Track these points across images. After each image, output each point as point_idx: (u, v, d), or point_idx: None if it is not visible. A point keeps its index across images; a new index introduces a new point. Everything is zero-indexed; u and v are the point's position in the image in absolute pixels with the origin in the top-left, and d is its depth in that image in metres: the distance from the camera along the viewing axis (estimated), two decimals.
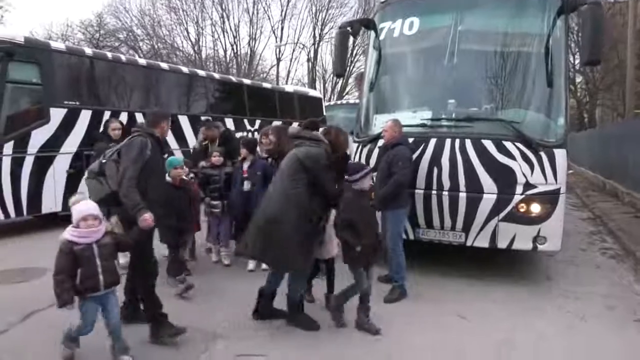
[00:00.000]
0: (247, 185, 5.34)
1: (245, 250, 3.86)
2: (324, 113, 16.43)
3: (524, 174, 4.71)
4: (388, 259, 4.66)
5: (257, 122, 13.31)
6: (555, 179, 4.71)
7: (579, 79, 28.81)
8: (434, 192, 4.99)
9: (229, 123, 11.98)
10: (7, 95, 7.43)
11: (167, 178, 4.49)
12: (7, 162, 7.37)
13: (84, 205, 3.12)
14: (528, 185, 4.72)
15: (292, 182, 3.65)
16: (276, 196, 3.71)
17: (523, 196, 4.72)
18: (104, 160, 3.60)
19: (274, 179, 3.98)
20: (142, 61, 11.67)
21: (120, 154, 3.56)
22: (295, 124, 14.77)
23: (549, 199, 4.71)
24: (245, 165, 5.43)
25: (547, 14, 5.01)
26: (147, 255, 3.64)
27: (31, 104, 7.90)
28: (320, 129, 4.58)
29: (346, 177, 3.83)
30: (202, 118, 11.27)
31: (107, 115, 8.55)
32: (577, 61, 21.67)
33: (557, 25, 4.97)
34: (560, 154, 4.72)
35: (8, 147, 7.39)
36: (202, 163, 5.85)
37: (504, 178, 4.75)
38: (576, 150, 19.63)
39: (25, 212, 7.68)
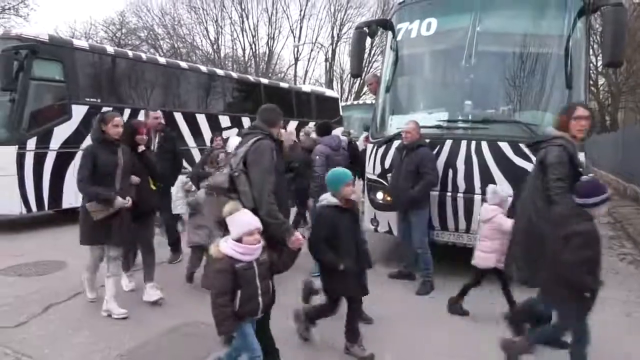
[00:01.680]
0: None
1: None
2: (341, 113, 16.44)
3: None
4: (404, 254, 5.02)
5: None
6: None
7: (601, 80, 28.26)
8: (448, 194, 4.97)
9: (246, 122, 12.08)
10: (31, 92, 7.63)
11: (330, 199, 3.34)
12: (30, 157, 7.56)
13: (251, 217, 2.71)
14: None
15: None
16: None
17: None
18: (236, 173, 2.99)
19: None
20: (162, 60, 11.84)
21: (246, 163, 2.98)
22: (311, 124, 14.92)
23: None
24: None
25: (567, 14, 4.93)
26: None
27: (54, 101, 8.09)
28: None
29: (577, 199, 2.91)
30: (220, 117, 11.40)
31: (127, 113, 8.72)
32: (599, 63, 21.25)
33: (577, 26, 4.90)
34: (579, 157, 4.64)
35: (31, 143, 7.59)
36: None
37: (520, 180, 4.68)
38: (597, 154, 19.23)
39: (46, 207, 7.87)
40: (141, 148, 4.33)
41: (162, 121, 5.67)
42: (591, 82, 24.53)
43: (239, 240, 2.64)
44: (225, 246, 2.66)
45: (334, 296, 3.41)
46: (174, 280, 4.83)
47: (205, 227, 4.61)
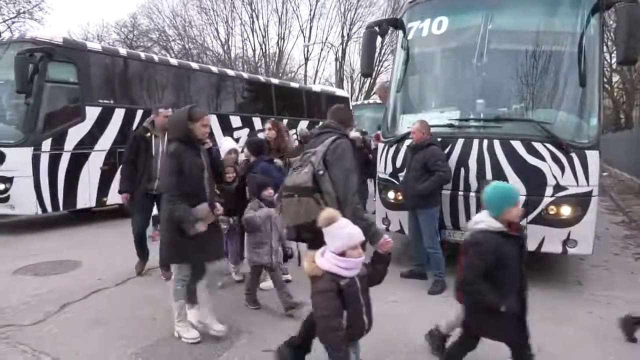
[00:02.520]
0: None
1: None
2: (351, 113, 16.42)
3: (554, 176, 4.62)
4: (416, 253, 5.03)
5: (285, 121, 13.40)
6: (587, 181, 4.59)
7: (615, 78, 27.90)
8: (460, 193, 4.95)
9: (257, 122, 12.13)
10: (46, 94, 7.74)
11: (491, 222, 2.67)
12: (45, 158, 7.68)
13: (354, 228, 2.40)
14: (558, 187, 4.62)
15: None
16: None
17: (553, 198, 4.62)
18: (320, 172, 2.82)
19: None
20: (174, 61, 11.93)
21: (326, 162, 2.85)
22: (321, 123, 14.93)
23: (580, 201, 4.60)
24: None
25: (580, 11, 4.88)
26: None
27: (68, 103, 8.19)
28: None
29: None
30: (231, 117, 11.45)
31: (139, 114, 8.81)
32: (613, 60, 20.96)
33: (591, 22, 4.84)
34: (592, 156, 4.60)
35: (46, 144, 7.70)
36: None
37: (533, 179, 4.66)
38: (612, 152, 18.98)
39: (61, 207, 7.98)
40: (208, 144, 3.73)
41: None
42: (605, 80, 24.23)
43: (342, 254, 2.33)
44: (324, 262, 2.34)
45: (485, 337, 2.79)
46: None
47: (265, 244, 4.08)
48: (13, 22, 23.47)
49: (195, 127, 3.43)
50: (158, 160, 4.94)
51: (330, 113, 3.27)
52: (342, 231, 2.36)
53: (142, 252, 5.21)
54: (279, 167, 4.95)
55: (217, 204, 3.56)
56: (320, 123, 3.53)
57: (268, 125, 5.67)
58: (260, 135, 7.21)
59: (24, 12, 23.52)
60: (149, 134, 4.97)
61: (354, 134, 7.63)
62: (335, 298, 2.28)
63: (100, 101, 8.57)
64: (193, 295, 3.72)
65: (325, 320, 2.29)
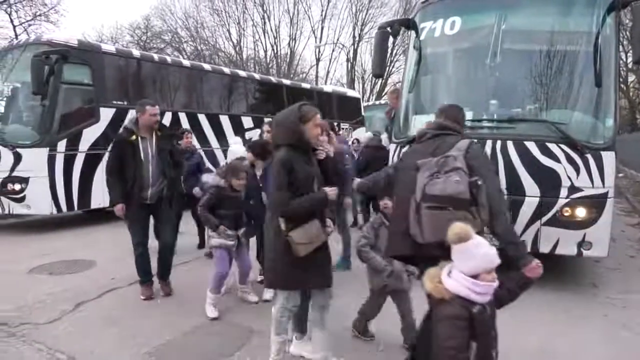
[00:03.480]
0: (265, 199, 4.31)
1: None
2: (362, 113, 16.41)
3: (569, 177, 4.56)
4: None
5: None
6: (603, 183, 4.53)
7: (631, 77, 27.45)
8: None
9: None
10: (61, 95, 7.86)
11: None
12: (60, 159, 7.79)
13: (491, 249, 2.06)
14: (573, 189, 4.56)
15: None
16: None
17: (568, 200, 4.56)
18: (479, 181, 2.44)
19: None
20: (186, 62, 12.03)
21: (473, 169, 2.48)
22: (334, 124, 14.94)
23: (596, 203, 4.54)
24: (258, 173, 4.61)
25: (596, 10, 4.81)
26: None
27: (82, 104, 8.31)
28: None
29: None
30: (243, 118, 11.52)
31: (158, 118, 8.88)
32: (629, 59, 20.63)
33: (606, 22, 4.77)
34: (608, 157, 4.53)
35: (61, 145, 7.81)
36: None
37: (548, 181, 4.61)
38: (628, 153, 18.69)
39: (76, 207, 8.09)
40: (322, 153, 3.10)
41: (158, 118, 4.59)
42: (621, 80, 23.86)
43: (474, 276, 2.01)
44: (454, 283, 2.03)
45: None
46: (201, 280, 4.91)
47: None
48: (29, 25, 23.82)
49: (307, 129, 2.92)
50: (150, 166, 4.36)
51: (441, 111, 2.92)
52: (477, 250, 2.02)
53: (146, 273, 4.56)
54: None
55: (330, 221, 3.07)
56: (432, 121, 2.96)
57: (266, 127, 5.26)
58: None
59: (40, 15, 23.87)
60: (134, 137, 4.32)
61: (367, 134, 7.59)
62: (466, 328, 1.97)
63: (114, 102, 8.67)
64: (304, 324, 3.33)
65: (452, 352, 1.95)
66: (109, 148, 4.48)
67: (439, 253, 2.24)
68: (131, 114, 8.49)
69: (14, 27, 23.35)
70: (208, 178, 4.96)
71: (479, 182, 2.42)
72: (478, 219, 2.40)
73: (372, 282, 3.47)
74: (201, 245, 6.52)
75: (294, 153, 2.87)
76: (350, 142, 6.80)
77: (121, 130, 4.54)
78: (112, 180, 4.36)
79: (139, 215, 4.41)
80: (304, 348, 3.32)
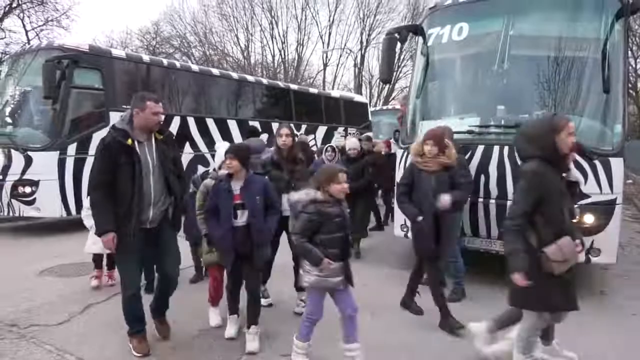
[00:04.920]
0: (242, 218, 3.50)
1: None
2: (370, 118, 16.42)
3: None
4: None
5: (303, 126, 13.50)
6: (611, 189, 4.51)
7: None
8: (480, 200, 4.91)
9: (276, 127, 12.21)
10: (72, 99, 7.96)
11: None
12: (70, 162, 7.88)
13: None
14: (581, 195, 4.54)
15: None
16: None
17: (576, 206, 4.54)
18: None
19: None
20: (195, 67, 12.12)
21: None
22: (340, 129, 14.97)
23: (604, 209, 4.52)
24: (237, 186, 3.52)
25: (604, 16, 4.81)
26: None
27: (93, 108, 8.40)
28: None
29: None
30: (250, 122, 11.59)
31: (161, 118, 8.94)
32: (639, 66, 20.49)
33: (615, 28, 4.77)
34: (616, 163, 4.52)
35: (72, 149, 7.90)
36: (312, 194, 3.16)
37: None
38: (637, 159, 18.55)
39: None
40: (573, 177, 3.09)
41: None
42: (630, 86, 23.69)
43: None
44: None
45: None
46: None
47: None
48: (41, 30, 24.14)
49: (560, 139, 2.75)
50: (151, 179, 3.32)
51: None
52: None
53: (139, 320, 3.52)
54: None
55: (580, 239, 2.92)
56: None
57: (286, 130, 4.37)
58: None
59: (51, 20, 24.17)
60: (129, 140, 3.25)
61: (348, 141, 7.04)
62: None
63: (124, 107, 8.73)
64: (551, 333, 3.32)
65: None
66: (95, 150, 3.38)
67: None
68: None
69: (26, 32, 23.68)
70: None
71: None
72: None
73: None
74: (198, 277, 5.28)
75: (545, 166, 2.75)
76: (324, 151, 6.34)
77: (109, 131, 3.34)
78: (100, 199, 3.22)
79: (134, 246, 3.29)
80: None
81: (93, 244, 4.80)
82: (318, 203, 3.08)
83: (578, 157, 4.50)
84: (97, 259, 5.11)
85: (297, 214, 3.16)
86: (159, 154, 3.42)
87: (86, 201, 4.45)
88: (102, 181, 3.24)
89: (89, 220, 4.42)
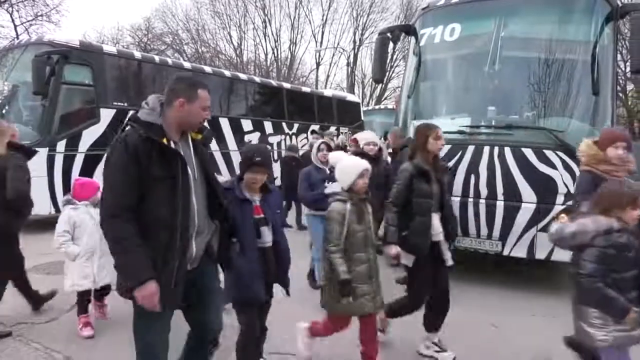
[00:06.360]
0: (267, 236, 2.80)
1: None
2: (362, 118, 16.46)
3: (565, 184, 4.59)
4: None
5: (295, 125, 13.50)
6: None
7: (630, 86, 27.54)
8: (470, 199, 4.94)
9: (268, 126, 12.20)
10: (62, 96, 7.87)
11: None
12: (59, 159, 7.80)
13: None
14: (570, 195, 4.58)
15: None
16: None
17: (564, 206, 4.59)
18: None
19: None
20: (187, 64, 12.07)
21: None
22: (332, 129, 15.00)
23: None
24: (255, 196, 2.81)
25: (594, 19, 4.87)
26: None
27: (83, 105, 8.33)
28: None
29: None
30: (242, 121, 11.56)
31: (209, 117, 8.89)
32: (628, 68, 20.72)
33: (605, 31, 4.83)
34: None
35: (61, 145, 7.82)
36: None
37: (544, 187, 4.64)
38: None
39: None
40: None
41: None
42: (619, 88, 23.96)
43: None
44: None
45: None
46: None
47: None
48: (31, 25, 23.85)
49: None
50: (192, 196, 2.26)
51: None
52: None
53: None
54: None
55: None
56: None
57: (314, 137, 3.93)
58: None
59: (41, 15, 23.90)
60: (165, 139, 2.19)
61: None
62: None
63: (115, 103, 8.69)
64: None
65: None
66: (108, 157, 2.22)
67: None
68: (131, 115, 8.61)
69: (15, 27, 23.39)
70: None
71: None
72: None
73: None
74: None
75: None
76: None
77: (129, 127, 2.28)
78: (127, 232, 2.11)
79: (175, 299, 2.27)
80: None
81: (84, 277, 3.72)
82: (615, 233, 2.47)
83: (567, 158, 4.55)
84: (83, 299, 3.84)
85: (572, 245, 2.72)
86: (199, 161, 2.38)
87: (61, 224, 3.82)
88: (126, 205, 2.11)
89: (69, 248, 3.74)
